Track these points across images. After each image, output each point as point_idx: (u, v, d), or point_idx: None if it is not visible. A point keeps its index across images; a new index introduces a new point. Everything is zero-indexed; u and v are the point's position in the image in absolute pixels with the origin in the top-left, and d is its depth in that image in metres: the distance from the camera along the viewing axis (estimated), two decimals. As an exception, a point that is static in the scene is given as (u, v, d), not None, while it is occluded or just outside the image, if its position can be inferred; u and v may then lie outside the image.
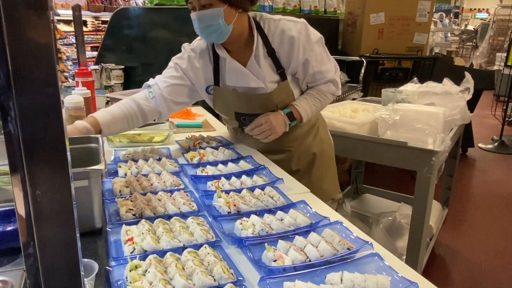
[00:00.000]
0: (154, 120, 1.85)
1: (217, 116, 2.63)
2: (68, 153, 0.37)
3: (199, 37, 1.52)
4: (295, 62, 1.45)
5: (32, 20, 0.33)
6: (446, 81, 2.42)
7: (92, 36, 6.54)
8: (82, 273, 0.41)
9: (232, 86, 1.51)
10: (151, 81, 1.55)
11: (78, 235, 0.39)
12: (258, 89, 1.47)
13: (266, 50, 1.45)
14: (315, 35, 1.47)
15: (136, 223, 0.99)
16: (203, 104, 2.59)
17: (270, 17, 1.47)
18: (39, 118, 0.35)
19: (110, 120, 1.40)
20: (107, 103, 2.35)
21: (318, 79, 1.53)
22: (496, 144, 5.22)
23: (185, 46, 1.56)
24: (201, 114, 2.28)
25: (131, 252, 0.88)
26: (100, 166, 0.91)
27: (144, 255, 0.86)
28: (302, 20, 1.45)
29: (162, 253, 0.88)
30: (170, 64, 1.56)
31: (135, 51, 2.79)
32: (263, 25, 1.45)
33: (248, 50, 1.45)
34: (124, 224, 0.96)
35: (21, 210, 0.37)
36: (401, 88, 2.61)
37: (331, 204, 1.71)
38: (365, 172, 3.27)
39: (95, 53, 3.17)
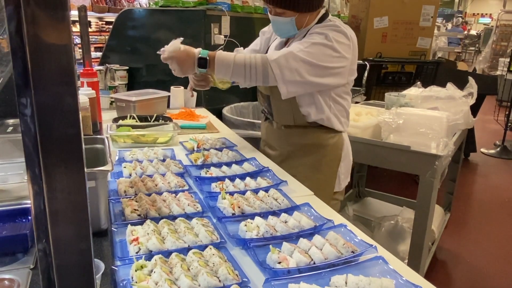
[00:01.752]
0: (161, 118, 1.87)
1: (220, 117, 2.64)
2: (84, 152, 0.38)
3: None
4: None
5: (52, 20, 0.34)
6: (450, 85, 2.43)
7: (95, 37, 6.57)
8: (94, 271, 0.41)
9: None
10: (240, 49, 1.68)
11: (91, 234, 0.40)
12: None
13: (304, 36, 1.46)
14: (332, 35, 1.38)
15: (141, 223, 0.99)
16: (207, 105, 2.60)
17: (337, 20, 1.47)
18: (56, 116, 0.35)
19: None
20: (111, 103, 2.36)
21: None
22: (498, 149, 5.22)
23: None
24: (205, 116, 2.28)
25: (137, 252, 0.88)
26: (107, 167, 0.91)
27: (149, 255, 0.86)
28: (347, 31, 1.41)
29: (167, 254, 0.88)
30: (260, 34, 1.73)
31: (140, 52, 2.81)
32: (323, 19, 1.48)
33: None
34: (129, 224, 0.97)
35: (36, 208, 0.38)
36: (405, 92, 2.61)
37: (335, 205, 1.65)
38: (368, 175, 3.27)
39: (98, 54, 3.19)
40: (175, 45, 1.40)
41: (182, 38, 1.43)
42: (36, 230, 0.38)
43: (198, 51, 1.39)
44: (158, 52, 1.42)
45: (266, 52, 1.62)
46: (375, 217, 2.71)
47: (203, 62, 1.38)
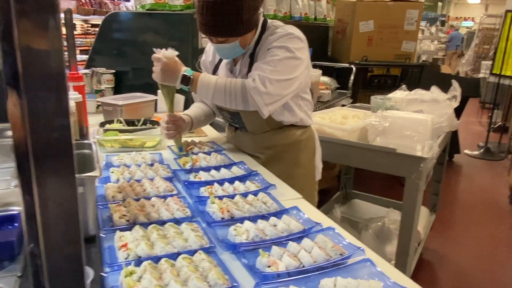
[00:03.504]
0: (148, 122, 1.88)
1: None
2: (75, 159, 0.38)
3: None
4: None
5: (42, 24, 0.34)
6: (434, 88, 2.48)
7: (81, 39, 6.50)
8: (85, 278, 0.41)
9: None
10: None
11: (82, 241, 0.40)
12: None
13: (251, 51, 1.52)
14: (291, 46, 1.43)
15: (129, 229, 0.99)
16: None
17: (280, 25, 1.52)
18: (48, 123, 0.35)
19: (198, 114, 1.69)
20: (98, 107, 2.34)
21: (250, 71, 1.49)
22: (481, 150, 5.33)
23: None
24: (193, 120, 2.28)
25: (126, 258, 0.88)
26: (96, 173, 0.91)
27: (138, 261, 0.86)
28: (299, 34, 1.48)
29: (156, 259, 0.88)
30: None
31: (127, 56, 2.79)
32: (268, 28, 1.52)
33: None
34: (118, 230, 0.97)
35: (28, 215, 0.38)
36: (390, 95, 2.66)
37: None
38: (355, 177, 3.31)
39: (84, 57, 3.16)
40: (172, 53, 1.46)
41: (178, 53, 1.49)
42: (28, 239, 0.38)
43: (185, 69, 1.47)
44: (154, 49, 1.46)
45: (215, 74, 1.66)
46: (362, 219, 2.74)
47: (187, 80, 1.46)
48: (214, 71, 1.67)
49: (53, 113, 0.36)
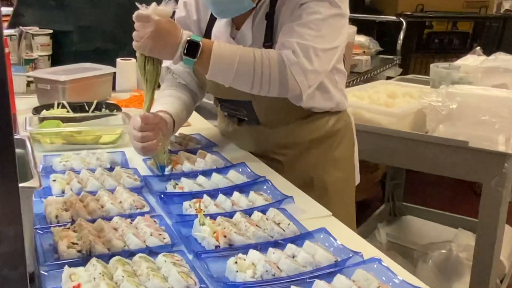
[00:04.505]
0: (104, 107, 1.89)
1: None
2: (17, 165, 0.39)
3: None
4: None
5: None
6: (524, 52, 2.48)
7: (0, -16, 6.49)
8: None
9: None
10: (167, 62, 1.57)
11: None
12: None
13: (267, 11, 1.50)
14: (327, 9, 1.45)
15: (83, 263, 1.00)
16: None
17: None
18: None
19: (177, 108, 1.59)
20: (29, 85, 2.35)
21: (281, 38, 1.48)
22: None
23: None
24: (169, 102, 2.29)
25: (79, 307, 0.89)
26: (33, 183, 0.92)
27: (98, 311, 0.87)
28: None
29: (123, 307, 0.89)
30: None
31: (69, 8, 2.79)
32: None
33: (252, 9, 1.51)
34: (66, 266, 0.98)
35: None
36: (458, 62, 2.66)
37: None
38: (406, 184, 3.32)
39: (8, 10, 3.14)
40: (167, 9, 1.39)
41: (176, 8, 1.45)
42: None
43: (188, 33, 1.41)
44: (138, 5, 1.39)
45: None
46: (418, 245, 2.76)
47: (193, 49, 1.38)
48: (207, 35, 1.62)
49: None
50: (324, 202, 1.45)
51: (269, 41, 1.50)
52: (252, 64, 1.40)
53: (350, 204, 1.75)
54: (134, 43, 1.40)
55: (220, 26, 1.59)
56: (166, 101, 1.62)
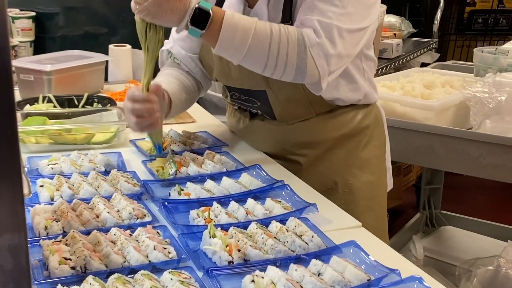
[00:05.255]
0: (96, 101, 1.91)
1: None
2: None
3: None
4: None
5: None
6: None
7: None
8: None
9: None
10: (168, 44, 1.69)
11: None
12: None
13: None
14: None
15: (78, 282, 1.01)
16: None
17: None
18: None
19: (175, 88, 1.62)
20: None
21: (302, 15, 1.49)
22: None
23: None
24: (170, 94, 2.30)
25: (74, 331, 0.90)
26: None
27: (96, 336, 0.89)
28: None
29: (124, 332, 0.90)
30: None
31: (54, -14, 2.81)
32: None
33: None
34: (59, 284, 0.99)
35: None
36: (506, 46, 2.64)
37: None
38: (445, 190, 3.30)
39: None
40: None
41: None
42: None
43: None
44: None
45: None
46: (460, 260, 2.74)
47: (202, 17, 1.38)
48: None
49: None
50: (351, 210, 1.46)
51: (287, 19, 1.51)
52: (269, 40, 1.40)
53: (381, 212, 1.75)
54: (133, 5, 1.38)
55: (231, 2, 1.59)
56: (162, 78, 1.65)
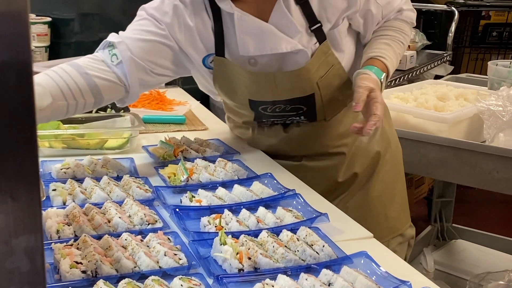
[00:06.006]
0: (109, 107, 1.90)
1: (207, 104, 2.66)
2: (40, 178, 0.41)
3: None
4: (353, 1, 1.55)
5: None
6: None
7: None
8: None
9: (248, 57, 1.58)
10: (114, 37, 1.59)
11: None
12: (290, 57, 1.56)
13: None
14: None
15: (89, 286, 1.02)
16: (184, 83, 2.63)
17: None
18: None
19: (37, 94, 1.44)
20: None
21: (386, 14, 1.68)
22: None
23: None
24: (183, 102, 2.32)
25: (84, 335, 0.91)
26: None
27: None
28: None
29: (134, 337, 0.91)
30: (141, 14, 1.62)
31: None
32: None
33: None
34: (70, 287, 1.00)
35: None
36: (521, 59, 2.63)
37: (400, 246, 1.79)
38: (457, 203, 3.29)
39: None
40: None
41: None
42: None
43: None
44: None
45: (221, 48, 1.61)
46: (471, 275, 2.73)
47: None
48: (218, 41, 1.59)
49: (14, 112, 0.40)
50: (386, 177, 1.76)
51: (315, 21, 1.55)
52: (402, 45, 1.70)
53: (402, 182, 1.88)
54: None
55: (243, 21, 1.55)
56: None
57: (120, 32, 1.62)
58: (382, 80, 1.52)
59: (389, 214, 1.77)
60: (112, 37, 1.59)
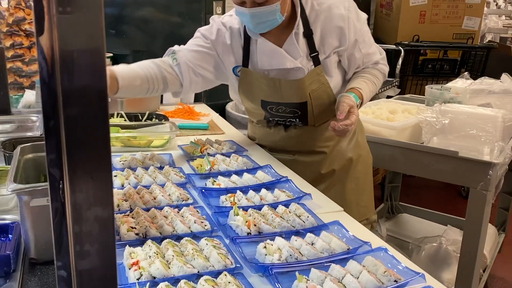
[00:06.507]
0: (154, 117, 1.90)
1: (223, 114, 2.67)
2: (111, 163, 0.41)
3: (229, 13, 1.69)
4: (343, 42, 1.57)
5: (83, 20, 0.37)
6: (506, 77, 2.45)
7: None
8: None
9: (263, 69, 1.61)
10: (176, 47, 1.67)
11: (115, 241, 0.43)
12: (292, 72, 1.58)
13: (303, 31, 1.57)
14: (362, 13, 1.64)
15: (140, 244, 1.02)
16: (207, 100, 2.64)
17: None
18: (85, 128, 0.39)
19: (131, 75, 1.50)
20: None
21: (366, 62, 1.68)
22: None
23: (215, 18, 1.70)
24: (206, 114, 2.32)
25: (138, 279, 0.91)
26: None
27: (153, 283, 0.90)
28: None
29: (173, 281, 0.91)
30: (196, 34, 1.70)
31: (126, 36, 2.85)
32: (305, 3, 1.57)
33: (286, 30, 1.58)
34: (127, 246, 1.00)
35: (57, 220, 0.41)
36: (449, 84, 2.63)
37: (366, 226, 1.77)
38: (402, 187, 3.30)
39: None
40: None
41: None
42: (56, 253, 0.41)
43: None
44: None
45: (246, 62, 1.64)
46: (413, 239, 2.73)
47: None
48: (245, 57, 1.64)
49: (93, 117, 0.40)
50: (357, 176, 1.76)
51: (314, 50, 1.58)
52: (375, 85, 1.67)
53: (370, 180, 1.88)
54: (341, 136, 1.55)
55: (265, 47, 1.59)
56: (123, 66, 1.54)
57: (181, 45, 1.69)
58: (358, 103, 1.52)
59: (360, 203, 1.77)
60: (175, 47, 1.67)
